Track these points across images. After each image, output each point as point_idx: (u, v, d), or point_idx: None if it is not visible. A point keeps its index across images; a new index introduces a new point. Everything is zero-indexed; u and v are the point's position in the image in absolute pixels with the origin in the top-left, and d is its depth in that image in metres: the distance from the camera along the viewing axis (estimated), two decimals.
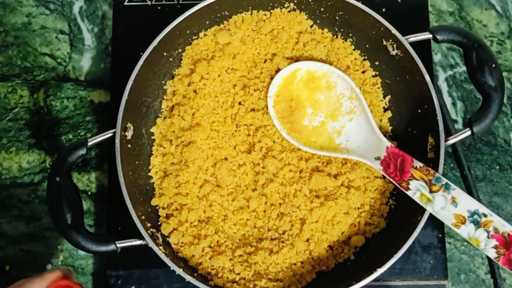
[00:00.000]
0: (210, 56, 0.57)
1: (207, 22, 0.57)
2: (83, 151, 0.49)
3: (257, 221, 0.54)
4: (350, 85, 0.55)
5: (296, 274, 0.53)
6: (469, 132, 0.51)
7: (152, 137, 0.57)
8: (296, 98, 0.56)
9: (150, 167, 0.56)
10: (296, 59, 0.58)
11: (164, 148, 0.56)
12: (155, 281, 0.56)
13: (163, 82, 0.58)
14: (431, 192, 0.48)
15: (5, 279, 0.58)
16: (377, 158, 0.53)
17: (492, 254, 0.46)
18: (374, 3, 0.62)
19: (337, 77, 0.56)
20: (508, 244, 0.45)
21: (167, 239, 0.53)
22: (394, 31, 0.53)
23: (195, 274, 0.52)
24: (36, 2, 0.64)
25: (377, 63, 0.58)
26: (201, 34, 0.58)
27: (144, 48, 0.52)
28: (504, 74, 0.63)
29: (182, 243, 0.53)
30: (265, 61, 0.58)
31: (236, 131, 0.56)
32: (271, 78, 0.56)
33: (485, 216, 0.46)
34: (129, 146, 0.53)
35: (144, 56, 0.52)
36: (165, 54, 0.56)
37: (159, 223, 0.54)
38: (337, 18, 0.58)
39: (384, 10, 0.62)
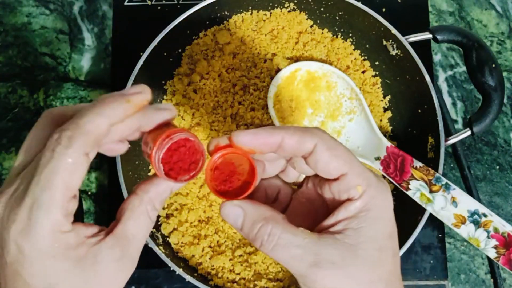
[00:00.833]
0: (210, 56, 0.58)
1: (207, 22, 0.57)
2: None
3: None
4: (350, 85, 0.55)
5: None
6: (469, 132, 0.51)
7: None
8: (296, 99, 0.56)
9: (150, 167, 0.56)
10: (296, 59, 0.58)
11: None
12: (155, 281, 0.56)
13: (163, 82, 0.58)
14: (431, 192, 0.48)
15: None
16: (377, 158, 0.53)
17: (492, 254, 0.46)
18: (374, 3, 0.62)
19: (337, 77, 0.56)
20: (508, 244, 0.45)
21: (167, 239, 0.53)
22: (394, 31, 0.53)
23: (195, 274, 0.52)
24: (36, 2, 0.64)
25: (377, 63, 0.58)
26: (201, 34, 0.58)
27: (144, 48, 0.52)
28: (504, 74, 0.63)
29: (182, 243, 0.53)
30: (265, 61, 0.58)
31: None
32: (271, 78, 0.56)
33: (485, 216, 0.46)
34: (129, 145, 0.53)
35: (144, 56, 0.52)
36: (165, 54, 0.56)
37: (159, 223, 0.54)
38: (337, 18, 0.57)
39: (384, 10, 0.62)
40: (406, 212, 0.52)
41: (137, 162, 0.54)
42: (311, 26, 0.59)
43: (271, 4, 0.58)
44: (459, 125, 0.62)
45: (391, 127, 0.58)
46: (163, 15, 0.62)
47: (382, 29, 0.54)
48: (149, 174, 0.56)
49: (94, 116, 0.26)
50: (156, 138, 0.28)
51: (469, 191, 0.59)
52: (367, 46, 0.58)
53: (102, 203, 0.60)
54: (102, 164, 0.60)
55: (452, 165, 0.61)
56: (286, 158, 0.32)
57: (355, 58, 0.59)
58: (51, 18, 0.64)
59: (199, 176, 0.54)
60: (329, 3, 0.56)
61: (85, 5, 0.65)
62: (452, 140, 0.51)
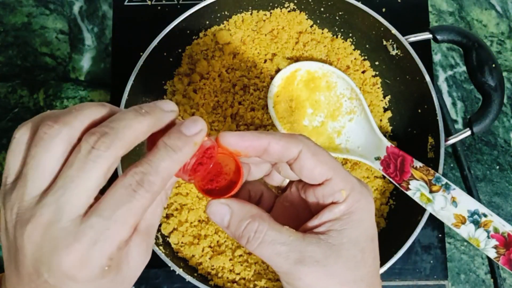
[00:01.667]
0: (210, 56, 0.58)
1: (207, 22, 0.57)
2: None
3: None
4: (350, 85, 0.55)
5: None
6: (469, 132, 0.51)
7: None
8: (296, 99, 0.56)
9: None
10: (296, 59, 0.58)
11: None
12: (155, 281, 0.56)
13: (163, 82, 0.58)
14: (431, 192, 0.48)
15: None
16: (377, 158, 0.53)
17: (492, 254, 0.46)
18: (374, 3, 0.62)
19: (337, 77, 0.56)
20: (508, 244, 0.45)
21: (167, 239, 0.53)
22: (394, 31, 0.53)
23: (195, 274, 0.52)
24: (36, 2, 0.64)
25: (377, 63, 0.58)
26: (201, 34, 0.58)
27: (144, 48, 0.52)
28: (504, 74, 0.63)
29: (182, 243, 0.53)
30: (265, 61, 0.58)
31: (236, 131, 0.56)
32: (271, 78, 0.56)
33: (485, 216, 0.46)
34: None
35: (144, 56, 0.52)
36: (165, 54, 0.56)
37: (159, 223, 0.54)
38: (337, 18, 0.57)
39: (384, 10, 0.62)
40: (406, 212, 0.52)
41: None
42: (311, 26, 0.59)
43: (271, 4, 0.58)
44: (459, 125, 0.62)
45: (391, 127, 0.58)
46: (163, 15, 0.62)
47: (382, 29, 0.54)
48: None
49: (172, 167, 0.27)
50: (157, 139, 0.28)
51: (469, 191, 0.59)
52: (367, 46, 0.58)
53: None
54: None
55: (452, 165, 0.61)
56: (272, 163, 0.33)
57: (355, 58, 0.59)
58: (51, 18, 0.64)
59: None
60: (329, 3, 0.56)
61: (85, 5, 0.65)
62: (452, 140, 0.51)
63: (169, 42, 0.54)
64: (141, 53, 0.52)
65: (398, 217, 0.55)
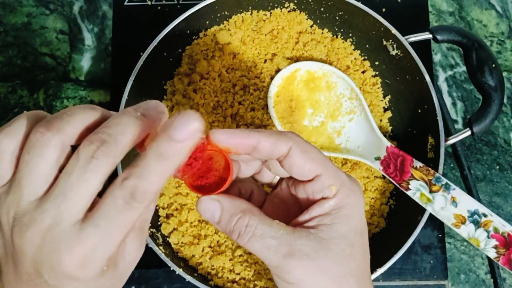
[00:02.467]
0: (210, 56, 0.58)
1: (207, 22, 0.57)
2: None
3: None
4: (350, 85, 0.55)
5: None
6: (469, 132, 0.51)
7: None
8: (296, 99, 0.56)
9: None
10: (296, 59, 0.58)
11: None
12: (155, 281, 0.56)
13: (163, 82, 0.58)
14: (431, 192, 0.48)
15: None
16: (377, 158, 0.53)
17: (492, 254, 0.46)
18: (374, 3, 0.62)
19: (337, 77, 0.56)
20: (508, 244, 0.45)
21: (167, 239, 0.53)
22: (394, 31, 0.53)
23: (195, 274, 0.52)
24: (36, 2, 0.64)
25: (377, 63, 0.58)
26: (201, 34, 0.58)
27: (144, 48, 0.52)
28: (504, 74, 0.63)
29: (182, 243, 0.53)
30: (265, 61, 0.58)
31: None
32: (271, 78, 0.56)
33: (485, 216, 0.46)
34: None
35: (144, 56, 0.52)
36: (165, 54, 0.56)
37: (159, 223, 0.54)
38: (337, 18, 0.57)
39: (384, 10, 0.62)
40: (406, 212, 0.52)
41: None
42: (311, 26, 0.59)
43: (271, 4, 0.58)
44: (459, 125, 0.62)
45: (391, 127, 0.58)
46: (163, 15, 0.62)
47: (382, 29, 0.54)
48: None
49: (165, 175, 0.26)
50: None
51: (469, 191, 0.59)
52: (367, 46, 0.58)
53: None
54: None
55: (452, 165, 0.61)
56: (262, 160, 0.33)
57: (355, 58, 0.59)
58: (51, 18, 0.64)
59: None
60: (329, 3, 0.56)
61: (85, 5, 0.65)
62: (452, 140, 0.51)
63: (169, 42, 0.54)
64: (141, 53, 0.52)
65: (398, 217, 0.55)
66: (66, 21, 0.64)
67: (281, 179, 0.34)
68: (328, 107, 0.56)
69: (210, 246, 0.53)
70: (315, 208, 0.30)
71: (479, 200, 0.59)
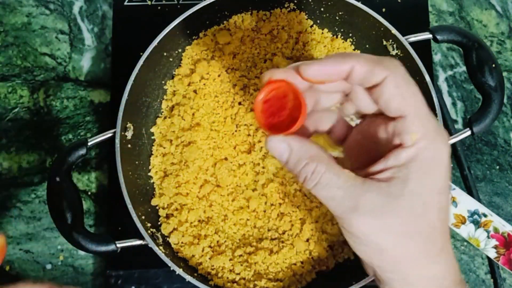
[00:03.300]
0: (210, 56, 0.58)
1: (207, 22, 0.57)
2: (83, 151, 0.49)
3: (257, 221, 0.54)
4: None
5: (296, 274, 0.53)
6: (469, 132, 0.51)
7: (152, 137, 0.57)
8: None
9: (150, 167, 0.56)
10: (296, 59, 0.58)
11: (164, 148, 0.56)
12: (155, 281, 0.56)
13: (163, 82, 0.58)
14: None
15: (5, 279, 0.58)
16: None
17: (492, 254, 0.46)
18: (374, 3, 0.62)
19: None
20: (508, 244, 0.45)
21: (167, 239, 0.53)
22: (394, 31, 0.53)
23: (195, 274, 0.52)
24: (36, 2, 0.64)
25: None
26: (201, 34, 0.58)
27: (144, 48, 0.52)
28: (504, 74, 0.63)
29: (182, 243, 0.53)
30: (265, 61, 0.58)
31: (236, 131, 0.56)
32: None
33: (485, 216, 0.46)
34: (129, 146, 0.53)
35: (144, 56, 0.52)
36: (165, 54, 0.56)
37: (159, 223, 0.54)
38: (337, 18, 0.57)
39: (384, 10, 0.62)
40: None
41: (137, 162, 0.54)
42: (311, 26, 0.59)
43: (271, 4, 0.58)
44: (459, 125, 0.62)
45: None
46: (163, 15, 0.62)
47: (382, 29, 0.54)
48: (149, 173, 0.56)
49: None
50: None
51: (469, 191, 0.59)
52: (367, 46, 0.58)
53: (102, 203, 0.60)
54: (102, 164, 0.60)
55: (452, 165, 0.61)
56: (345, 92, 0.31)
57: None
58: (51, 18, 0.64)
59: (199, 175, 0.54)
60: (329, 3, 0.56)
61: (85, 5, 0.65)
62: (452, 140, 0.51)
63: (169, 42, 0.54)
64: (141, 53, 0.52)
65: None
66: (66, 21, 0.64)
67: (365, 115, 0.32)
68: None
69: (210, 246, 0.53)
70: (390, 157, 0.28)
71: (479, 200, 0.59)
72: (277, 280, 0.52)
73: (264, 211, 0.54)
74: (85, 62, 0.63)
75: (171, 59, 0.57)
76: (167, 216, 0.54)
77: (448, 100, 0.63)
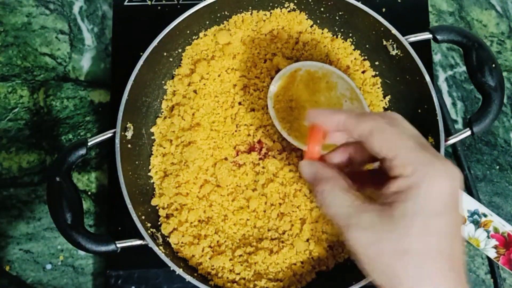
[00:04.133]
0: (210, 56, 0.57)
1: (207, 22, 0.57)
2: (83, 151, 0.49)
3: (257, 221, 0.54)
4: (350, 86, 0.55)
5: (296, 274, 0.53)
6: (469, 132, 0.51)
7: (152, 137, 0.57)
8: (296, 99, 0.56)
9: (150, 167, 0.56)
10: (296, 59, 0.58)
11: (164, 148, 0.56)
12: (155, 281, 0.56)
13: (163, 82, 0.58)
14: None
15: (5, 279, 0.58)
16: None
17: (492, 254, 0.46)
18: (374, 3, 0.62)
19: (337, 78, 0.56)
20: (508, 244, 0.45)
21: (167, 239, 0.53)
22: (394, 31, 0.53)
23: (195, 274, 0.52)
24: (36, 2, 0.64)
25: (377, 63, 0.58)
26: (201, 34, 0.58)
27: (144, 48, 0.52)
28: (504, 74, 0.63)
29: (182, 243, 0.53)
30: (265, 61, 0.58)
31: (236, 131, 0.56)
32: (271, 78, 0.56)
33: (485, 216, 0.46)
34: (129, 146, 0.53)
35: (144, 56, 0.52)
36: (165, 54, 0.56)
37: (159, 223, 0.54)
38: (337, 18, 0.57)
39: (384, 10, 0.62)
40: None
41: (137, 162, 0.54)
42: (311, 26, 0.59)
43: (271, 4, 0.58)
44: (459, 125, 0.62)
45: None
46: (163, 15, 0.62)
47: (382, 29, 0.54)
48: (149, 173, 0.56)
49: None
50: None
51: (469, 191, 0.59)
52: (367, 46, 0.58)
53: (102, 203, 0.60)
54: (102, 164, 0.60)
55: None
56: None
57: (355, 58, 0.59)
58: (51, 18, 0.64)
59: (199, 175, 0.54)
60: (329, 3, 0.56)
61: (85, 5, 0.65)
62: (452, 140, 0.51)
63: (169, 42, 0.54)
64: (141, 53, 0.52)
65: None
66: (66, 21, 0.64)
67: None
68: (328, 107, 0.56)
69: (210, 246, 0.53)
70: (391, 185, 0.32)
71: (479, 200, 0.59)
72: (277, 280, 0.52)
73: (264, 211, 0.54)
74: (85, 62, 0.63)
75: (171, 59, 0.57)
76: (167, 216, 0.54)
77: (448, 100, 0.63)
